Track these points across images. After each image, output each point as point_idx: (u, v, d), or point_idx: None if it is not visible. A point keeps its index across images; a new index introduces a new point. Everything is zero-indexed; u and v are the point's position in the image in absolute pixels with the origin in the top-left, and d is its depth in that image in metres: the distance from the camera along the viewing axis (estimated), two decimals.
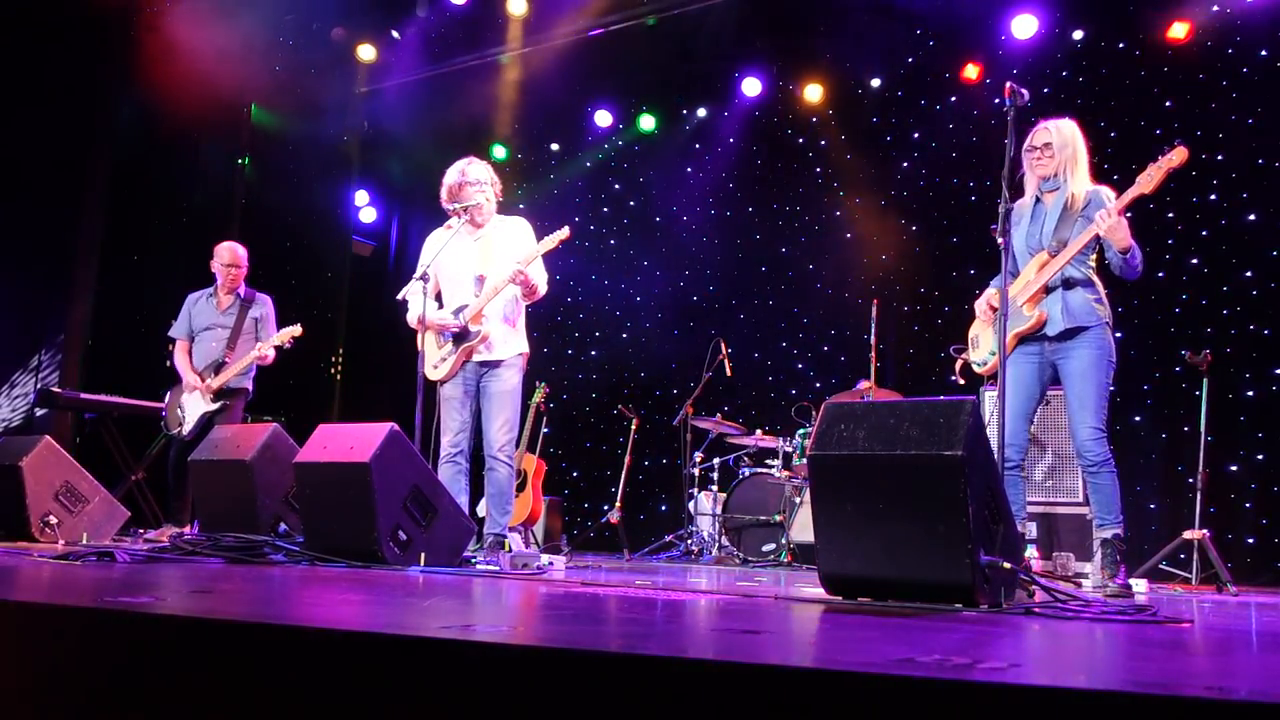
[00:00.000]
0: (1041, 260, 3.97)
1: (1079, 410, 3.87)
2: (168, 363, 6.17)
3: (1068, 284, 3.92)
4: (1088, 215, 3.89)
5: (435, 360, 4.69)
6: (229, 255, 6.00)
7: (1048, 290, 3.96)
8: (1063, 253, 3.88)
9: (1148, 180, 3.79)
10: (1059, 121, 4.03)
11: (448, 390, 4.65)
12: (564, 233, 4.59)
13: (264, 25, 8.04)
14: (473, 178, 4.72)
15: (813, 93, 8.05)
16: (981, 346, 4.24)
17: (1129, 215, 3.82)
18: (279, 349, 5.82)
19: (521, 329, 4.76)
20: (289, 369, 6.16)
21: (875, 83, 7.84)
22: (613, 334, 8.86)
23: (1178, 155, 3.75)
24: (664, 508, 8.21)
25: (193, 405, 5.80)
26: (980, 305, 4.20)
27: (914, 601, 2.55)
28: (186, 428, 5.76)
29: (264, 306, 6.05)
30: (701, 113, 8.62)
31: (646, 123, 8.71)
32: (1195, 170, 6.44)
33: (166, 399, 5.97)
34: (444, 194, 4.76)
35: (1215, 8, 6.49)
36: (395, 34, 8.63)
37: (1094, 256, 4.00)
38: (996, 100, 6.86)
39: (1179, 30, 6.55)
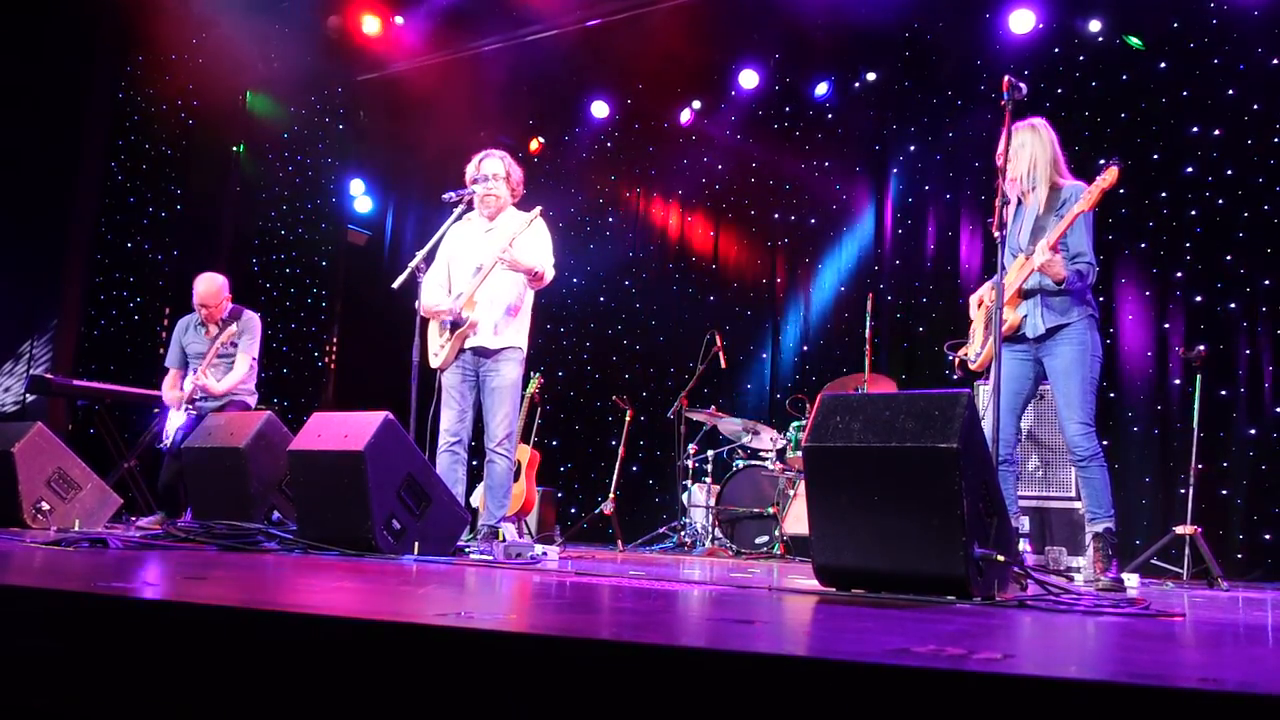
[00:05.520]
0: (1021, 263, 3.96)
1: (1065, 407, 3.88)
2: (161, 356, 6.12)
3: (1046, 286, 3.90)
4: (1060, 214, 3.85)
5: (435, 348, 4.68)
6: (201, 294, 5.75)
7: (1025, 294, 3.95)
8: (1034, 256, 3.86)
9: (1086, 200, 3.75)
10: (1018, 124, 3.98)
11: (447, 379, 4.63)
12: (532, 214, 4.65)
13: (260, 12, 8.00)
14: (485, 171, 4.72)
15: (810, 85, 8.04)
16: (974, 342, 4.24)
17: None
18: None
19: (523, 321, 4.71)
20: (284, 358, 6.14)
21: (871, 76, 7.83)
22: (608, 325, 8.85)
23: (1110, 175, 3.70)
24: (658, 499, 8.22)
25: (175, 422, 5.72)
26: (972, 301, 4.21)
27: (908, 594, 2.56)
28: (168, 442, 5.68)
29: (248, 324, 5.83)
30: (698, 104, 8.59)
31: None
32: (1191, 167, 6.45)
33: (167, 421, 5.87)
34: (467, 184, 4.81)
35: (1212, 4, 6.49)
36: (399, 19, 8.59)
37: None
38: (994, 94, 6.85)
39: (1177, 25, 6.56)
